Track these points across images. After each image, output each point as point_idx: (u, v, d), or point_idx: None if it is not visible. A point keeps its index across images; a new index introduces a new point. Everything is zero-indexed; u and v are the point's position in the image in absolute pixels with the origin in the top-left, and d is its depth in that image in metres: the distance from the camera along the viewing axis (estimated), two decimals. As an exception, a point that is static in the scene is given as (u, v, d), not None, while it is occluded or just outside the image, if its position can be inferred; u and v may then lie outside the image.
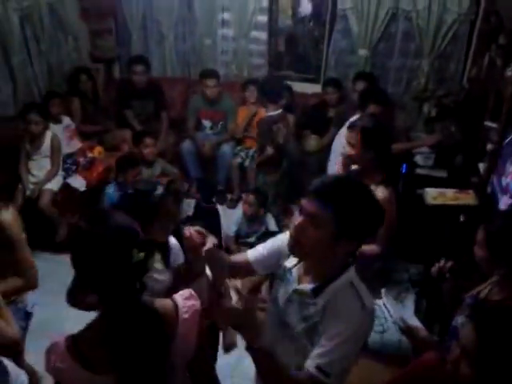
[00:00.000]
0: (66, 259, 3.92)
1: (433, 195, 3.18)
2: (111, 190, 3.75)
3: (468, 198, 3.12)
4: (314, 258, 1.40)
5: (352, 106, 3.85)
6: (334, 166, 3.66)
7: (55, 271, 3.67)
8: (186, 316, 1.36)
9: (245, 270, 1.65)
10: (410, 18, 4.23)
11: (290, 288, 1.48)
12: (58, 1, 4.38)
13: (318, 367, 1.33)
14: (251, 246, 3.56)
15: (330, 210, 1.28)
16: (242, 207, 3.76)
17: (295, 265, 1.50)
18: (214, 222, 3.84)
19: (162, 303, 1.38)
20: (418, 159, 3.71)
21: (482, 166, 3.16)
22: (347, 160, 2.54)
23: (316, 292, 1.40)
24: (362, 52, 4.41)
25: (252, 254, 1.65)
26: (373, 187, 2.38)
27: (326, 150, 4.02)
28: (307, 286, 1.42)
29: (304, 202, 1.34)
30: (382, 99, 3.45)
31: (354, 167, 2.61)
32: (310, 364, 1.35)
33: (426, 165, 3.66)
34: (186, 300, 1.40)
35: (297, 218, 1.37)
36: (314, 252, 1.35)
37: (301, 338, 1.43)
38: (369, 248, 2.45)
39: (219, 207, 4.19)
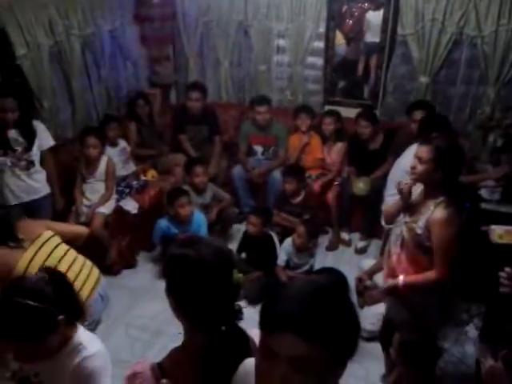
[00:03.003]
0: (115, 281, 3.99)
1: (499, 233, 2.94)
2: (163, 224, 3.77)
3: (540, 238, 2.86)
4: None
5: (408, 137, 3.68)
6: (392, 197, 3.50)
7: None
8: None
9: None
10: (474, 44, 4.04)
11: None
12: (119, 28, 4.51)
13: None
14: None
15: (320, 344, 0.91)
16: (292, 237, 3.65)
17: None
18: (269, 250, 3.76)
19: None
20: (484, 193, 3.47)
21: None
22: (412, 175, 2.38)
23: None
24: (423, 79, 4.25)
25: None
26: (432, 207, 2.29)
27: (378, 184, 3.89)
28: None
29: (274, 341, 0.93)
30: (445, 127, 3.27)
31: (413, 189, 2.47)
32: None
33: (492, 199, 3.42)
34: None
35: (265, 365, 0.97)
36: None
37: None
38: (425, 276, 2.35)
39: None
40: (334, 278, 1.05)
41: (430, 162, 2.26)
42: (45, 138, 3.41)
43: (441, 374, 2.65)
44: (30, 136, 3.28)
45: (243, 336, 1.32)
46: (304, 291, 0.97)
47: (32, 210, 3.38)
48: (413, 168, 2.33)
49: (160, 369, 1.25)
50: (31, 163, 3.32)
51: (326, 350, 0.90)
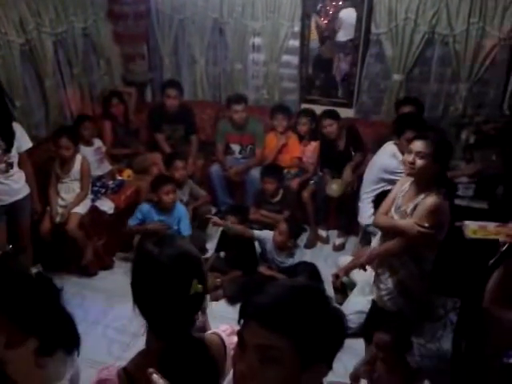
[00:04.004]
0: (91, 283, 3.93)
1: (473, 229, 3.00)
2: (145, 208, 3.75)
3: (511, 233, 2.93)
4: None
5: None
6: (367, 195, 3.55)
7: (80, 294, 3.65)
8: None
9: None
10: (446, 43, 4.11)
11: None
12: (92, 25, 4.43)
13: None
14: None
15: (287, 336, 0.92)
16: (273, 234, 3.66)
17: None
18: (248, 248, 3.76)
19: (211, 339, 1.32)
20: (457, 189, 3.55)
21: (526, 198, 2.98)
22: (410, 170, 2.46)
23: None
24: (397, 77, 4.30)
25: None
26: (422, 196, 2.38)
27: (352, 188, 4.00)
28: None
29: (245, 331, 0.97)
30: (419, 125, 3.32)
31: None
32: None
33: (465, 195, 3.49)
34: (230, 336, 1.34)
35: (238, 354, 0.99)
36: None
37: None
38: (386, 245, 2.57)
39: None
40: (313, 280, 1.07)
41: (429, 156, 2.33)
42: (23, 140, 3.32)
43: (417, 368, 2.69)
44: (8, 138, 3.19)
45: (200, 345, 1.28)
46: (279, 287, 1.01)
47: (13, 211, 3.33)
48: (411, 163, 2.38)
49: (126, 374, 1.23)
50: (10, 165, 3.23)
51: (295, 344, 0.91)
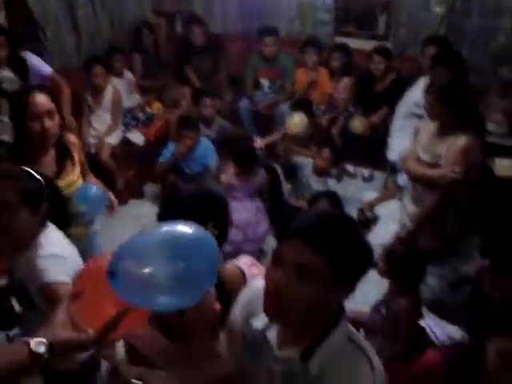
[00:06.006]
0: (121, 210, 3.93)
1: (504, 166, 2.95)
2: (171, 147, 3.76)
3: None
4: (302, 319, 1.05)
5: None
6: (401, 132, 3.47)
7: (108, 221, 3.76)
8: None
9: None
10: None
11: (269, 357, 1.13)
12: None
13: None
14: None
15: (326, 256, 1.00)
16: (314, 162, 3.75)
17: (268, 325, 1.14)
18: (274, 182, 3.75)
19: (230, 270, 1.36)
20: (490, 126, 3.43)
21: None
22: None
23: (306, 356, 1.07)
24: (438, 9, 4.07)
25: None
26: (452, 138, 2.33)
27: (378, 131, 3.94)
28: (292, 352, 1.09)
29: (285, 249, 1.04)
30: (454, 63, 3.19)
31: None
32: None
33: (498, 132, 3.39)
34: (250, 267, 1.38)
35: (273, 271, 1.05)
36: (305, 312, 1.02)
37: None
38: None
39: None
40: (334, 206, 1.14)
41: (438, 103, 2.33)
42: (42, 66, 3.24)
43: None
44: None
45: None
46: (320, 212, 1.16)
47: None
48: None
49: None
50: None
51: (330, 263, 1.00)
